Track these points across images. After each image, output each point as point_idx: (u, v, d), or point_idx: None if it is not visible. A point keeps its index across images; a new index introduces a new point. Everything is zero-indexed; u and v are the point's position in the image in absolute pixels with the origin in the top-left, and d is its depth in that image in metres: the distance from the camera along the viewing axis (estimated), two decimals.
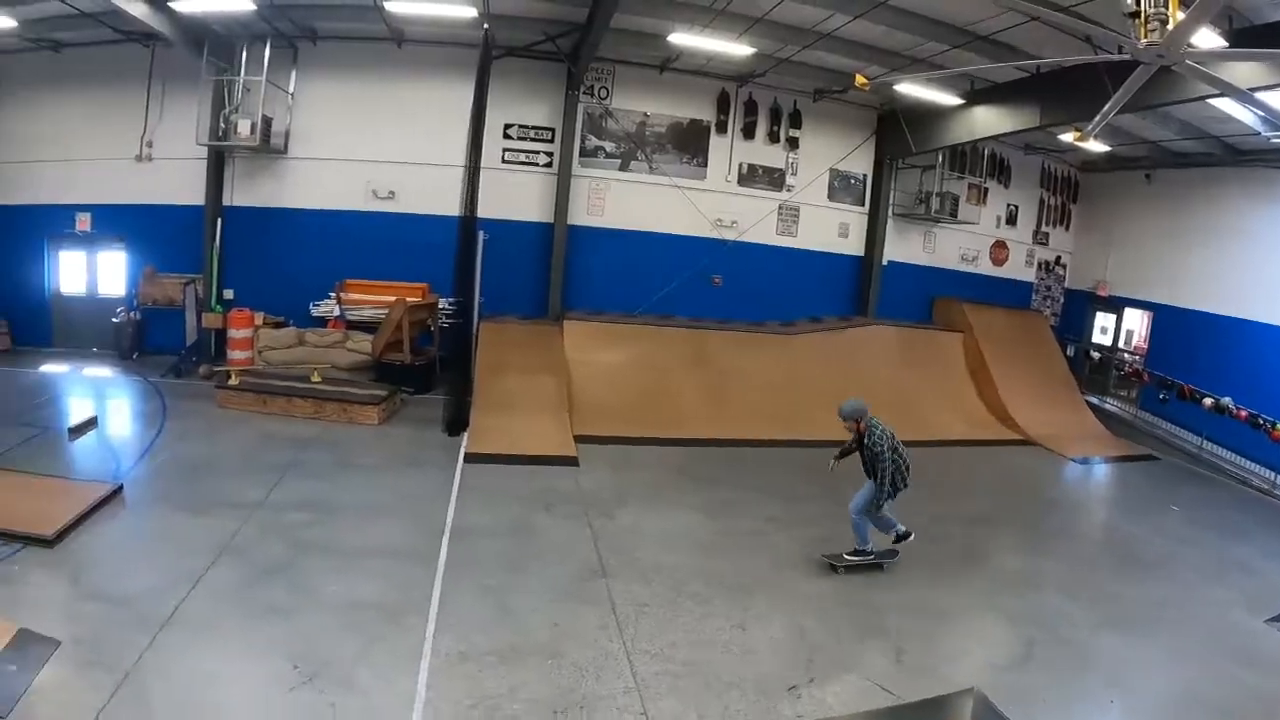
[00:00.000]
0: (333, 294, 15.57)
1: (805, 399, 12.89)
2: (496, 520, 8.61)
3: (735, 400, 12.71)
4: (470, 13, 12.10)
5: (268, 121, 14.88)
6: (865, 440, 8.25)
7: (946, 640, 7.22)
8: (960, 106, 14.44)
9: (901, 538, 8.63)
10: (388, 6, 12.42)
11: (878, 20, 11.40)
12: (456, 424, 11.90)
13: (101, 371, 15.86)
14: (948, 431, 13.84)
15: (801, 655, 6.57)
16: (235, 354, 15.06)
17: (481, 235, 12.82)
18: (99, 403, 13.71)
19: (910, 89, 13.86)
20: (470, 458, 10.53)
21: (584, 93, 14.73)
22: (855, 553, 8.49)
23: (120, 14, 12.79)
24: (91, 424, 12.16)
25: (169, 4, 12.71)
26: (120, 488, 9.47)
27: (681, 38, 12.25)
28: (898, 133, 16.12)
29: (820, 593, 7.52)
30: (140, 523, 8.78)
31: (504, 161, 14.94)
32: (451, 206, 13.56)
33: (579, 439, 11.24)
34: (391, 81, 15.25)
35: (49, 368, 16.13)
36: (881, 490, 8.19)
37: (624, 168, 15.04)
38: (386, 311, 14.33)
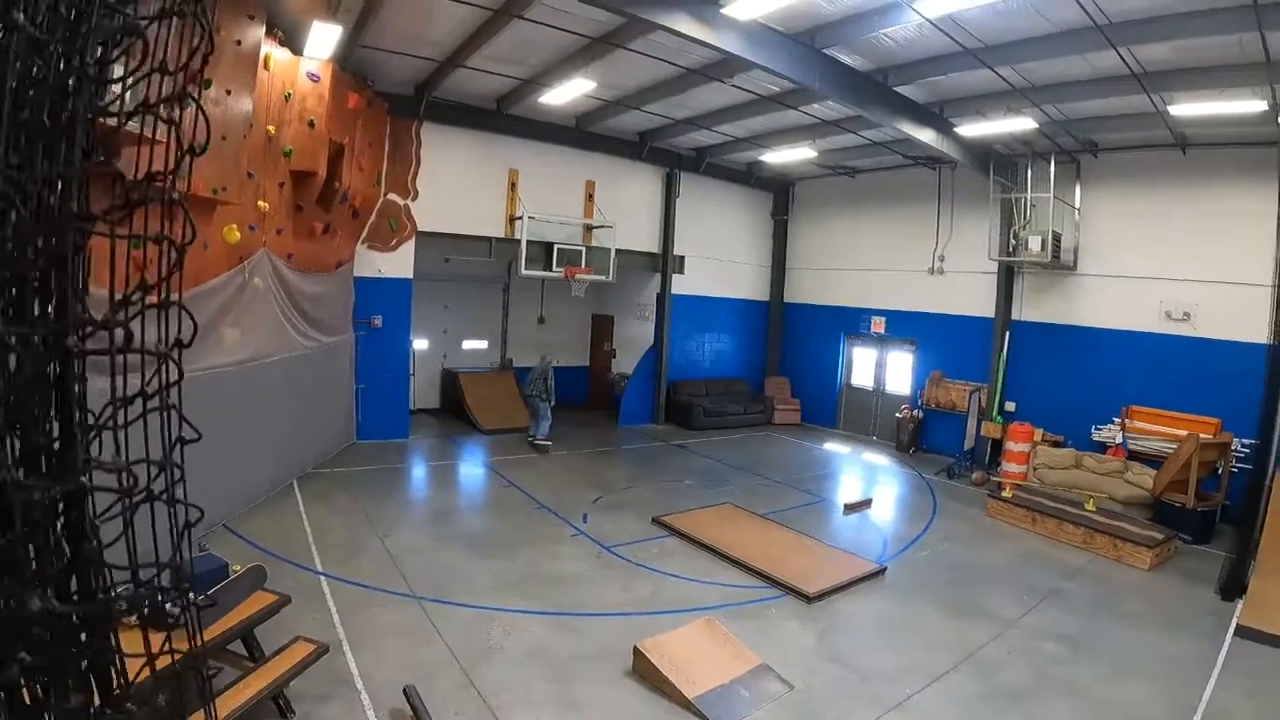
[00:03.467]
0: (1117, 419, 14.60)
1: None
2: (1255, 713, 7.14)
3: None
4: (1259, 106, 10.74)
5: (1056, 237, 14.76)
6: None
7: None
8: None
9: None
10: (1171, 111, 11.49)
11: None
12: (1233, 588, 10.13)
13: (878, 459, 17.14)
14: None
15: None
16: (1010, 466, 14.93)
17: None
18: (873, 486, 14.69)
19: None
20: (1241, 631, 8.88)
21: None
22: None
23: (909, 141, 14.00)
24: (866, 504, 13.12)
25: (954, 129, 13.45)
26: (884, 569, 9.96)
27: None
28: None
29: None
30: (894, 607, 8.99)
31: None
32: (1252, 332, 12.29)
33: None
34: (1177, 190, 13.99)
35: (831, 446, 18.17)
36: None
37: None
38: (1173, 446, 12.94)
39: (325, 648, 5.74)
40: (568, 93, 12.99)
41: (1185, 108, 11.38)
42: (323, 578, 8.03)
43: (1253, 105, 10.81)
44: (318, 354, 11.94)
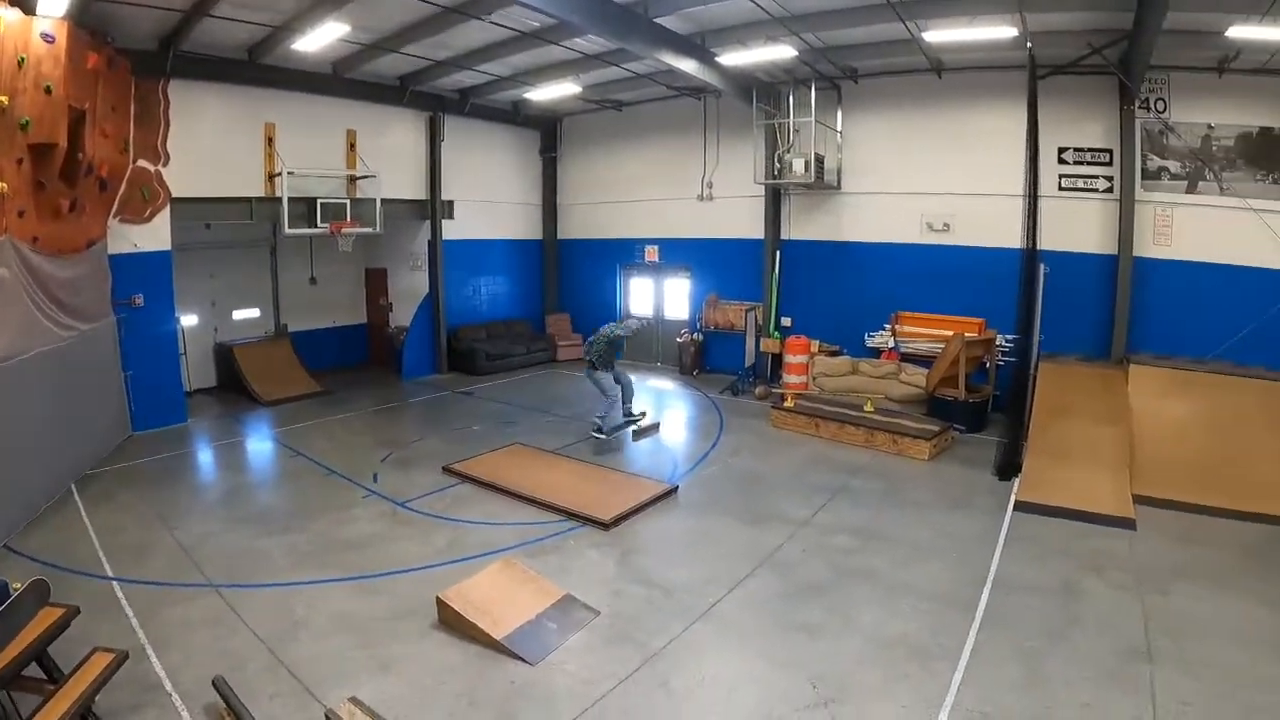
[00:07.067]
0: (887, 326, 15.68)
1: None
2: (1041, 577, 7.97)
3: None
4: (1010, 33, 11.54)
5: (819, 159, 15.42)
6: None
7: None
8: None
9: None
10: (925, 37, 12.23)
11: None
12: (1008, 468, 11.23)
13: (664, 384, 17.74)
14: None
15: None
16: (791, 378, 15.82)
17: (1042, 269, 12.07)
18: (660, 410, 15.11)
19: None
20: (1020, 505, 9.87)
21: (1139, 107, 13.12)
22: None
23: (673, 72, 14.17)
24: (654, 428, 13.50)
25: (716, 59, 13.76)
26: (675, 489, 10.37)
27: (1240, 31, 10.42)
28: None
29: None
30: (690, 523, 9.43)
31: (1060, 189, 13.85)
32: (1008, 238, 13.10)
33: (1137, 499, 9.91)
34: (936, 112, 15.03)
35: None
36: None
37: (1191, 190, 13.01)
38: (941, 345, 14.07)
39: (125, 654, 5.51)
40: (321, 38, 12.33)
41: (939, 34, 12.11)
42: (115, 582, 7.64)
43: (1003, 31, 11.54)
44: (78, 344, 11.00)
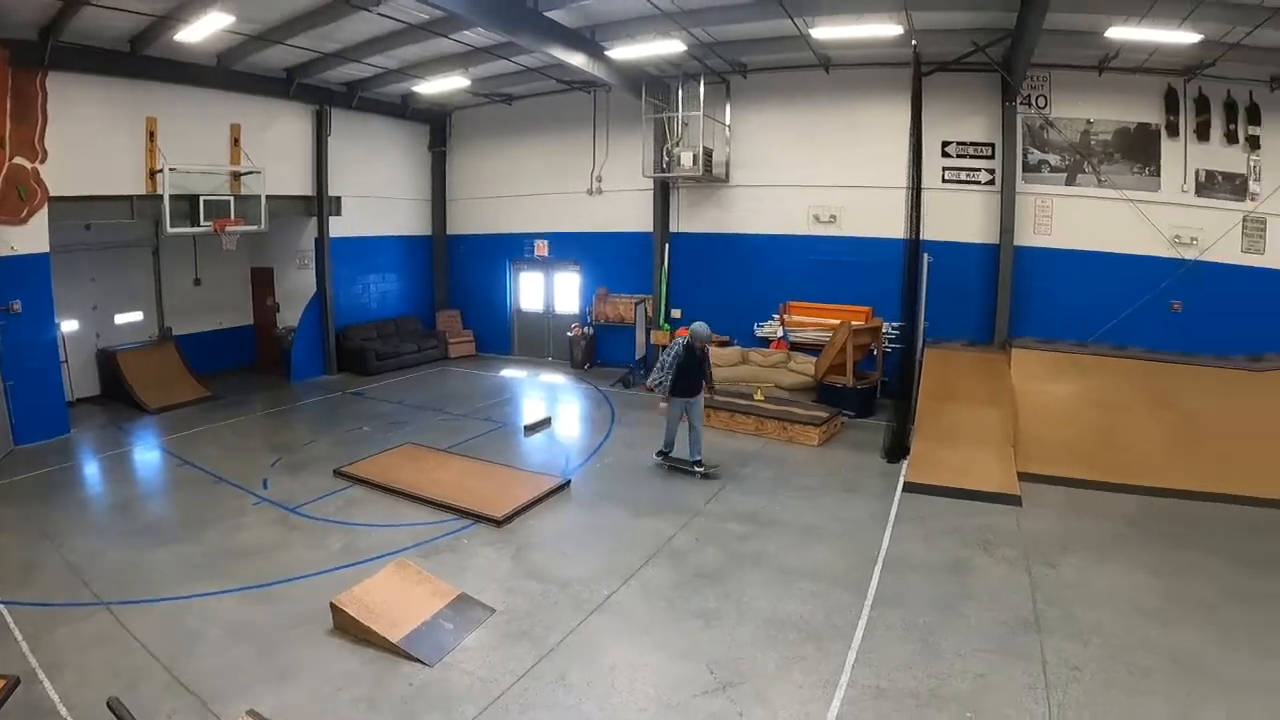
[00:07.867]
0: (776, 315, 16.02)
1: None
2: (931, 555, 8.27)
3: (1201, 447, 10.57)
4: (895, 30, 11.86)
5: (708, 153, 15.64)
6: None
7: None
8: None
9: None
10: (813, 34, 12.49)
11: None
12: (896, 451, 11.60)
13: (556, 378, 17.75)
14: None
15: None
16: None
17: (926, 258, 12.46)
18: (552, 405, 15.25)
19: None
20: (909, 487, 10.21)
21: (1021, 103, 13.69)
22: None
23: (563, 66, 14.22)
24: (545, 424, 13.58)
25: (606, 53, 13.82)
26: (568, 483, 10.45)
27: (1119, 32, 11.00)
28: None
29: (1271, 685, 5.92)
30: (583, 516, 9.53)
31: (944, 181, 14.38)
32: (893, 229, 13.33)
33: (1022, 476, 10.39)
34: (824, 107, 15.36)
35: (508, 372, 18.58)
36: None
37: (1070, 182, 13.67)
38: (829, 334, 14.39)
39: (16, 680, 5.34)
40: (205, 28, 11.77)
41: (826, 31, 12.37)
42: (1, 605, 7.25)
43: (889, 29, 11.83)
44: None
